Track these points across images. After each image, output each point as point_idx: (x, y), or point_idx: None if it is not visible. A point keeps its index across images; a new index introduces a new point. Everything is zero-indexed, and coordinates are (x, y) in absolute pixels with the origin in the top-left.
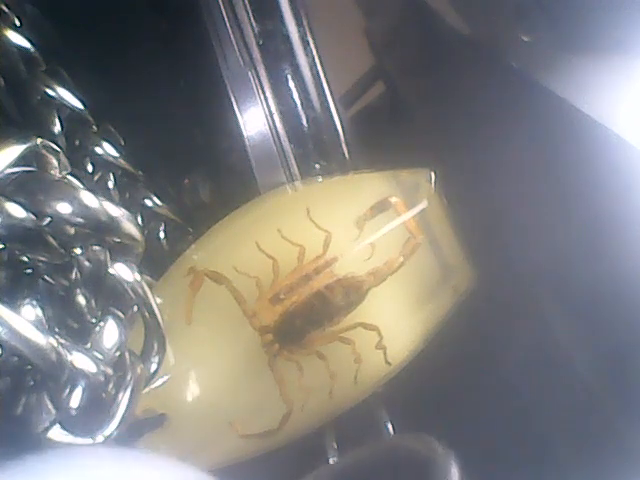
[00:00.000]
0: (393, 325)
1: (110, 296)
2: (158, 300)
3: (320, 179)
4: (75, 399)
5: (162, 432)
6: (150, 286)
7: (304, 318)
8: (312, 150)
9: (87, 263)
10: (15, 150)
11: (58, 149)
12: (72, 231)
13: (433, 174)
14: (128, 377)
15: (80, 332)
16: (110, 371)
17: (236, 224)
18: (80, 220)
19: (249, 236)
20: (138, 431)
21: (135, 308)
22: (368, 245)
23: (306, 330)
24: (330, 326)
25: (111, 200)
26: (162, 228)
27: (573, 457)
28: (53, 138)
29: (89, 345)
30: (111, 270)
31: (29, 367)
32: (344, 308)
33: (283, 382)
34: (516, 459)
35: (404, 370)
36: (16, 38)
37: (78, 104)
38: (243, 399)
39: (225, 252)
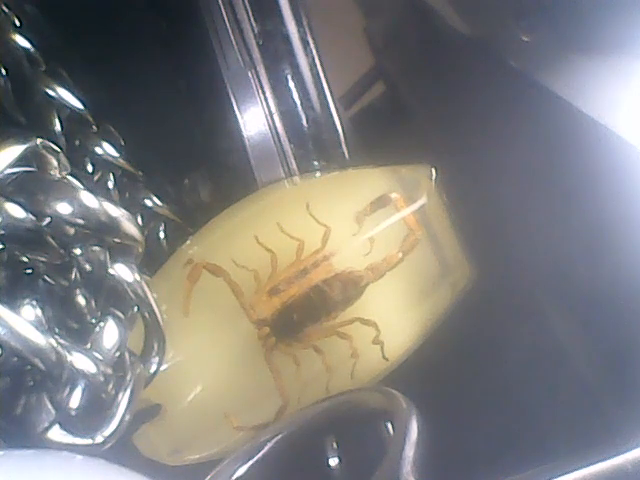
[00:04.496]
0: (391, 321)
1: (110, 296)
2: (155, 293)
3: (319, 174)
4: (75, 399)
5: (157, 422)
6: (150, 286)
7: (301, 312)
8: (312, 150)
9: (87, 263)
10: (15, 150)
11: (58, 149)
12: (72, 231)
13: (434, 170)
14: (128, 377)
15: (80, 332)
16: (110, 371)
17: (235, 217)
18: (80, 220)
19: (248, 229)
20: (133, 422)
21: (135, 308)
22: (367, 240)
23: (303, 324)
24: (327, 320)
25: (111, 200)
26: (162, 228)
27: (572, 456)
28: (53, 138)
29: (89, 345)
30: (111, 270)
31: (29, 367)
32: (342, 303)
33: (279, 375)
34: (515, 457)
35: (401, 366)
36: (16, 38)
37: (78, 104)
38: (239, 391)
39: (223, 245)
